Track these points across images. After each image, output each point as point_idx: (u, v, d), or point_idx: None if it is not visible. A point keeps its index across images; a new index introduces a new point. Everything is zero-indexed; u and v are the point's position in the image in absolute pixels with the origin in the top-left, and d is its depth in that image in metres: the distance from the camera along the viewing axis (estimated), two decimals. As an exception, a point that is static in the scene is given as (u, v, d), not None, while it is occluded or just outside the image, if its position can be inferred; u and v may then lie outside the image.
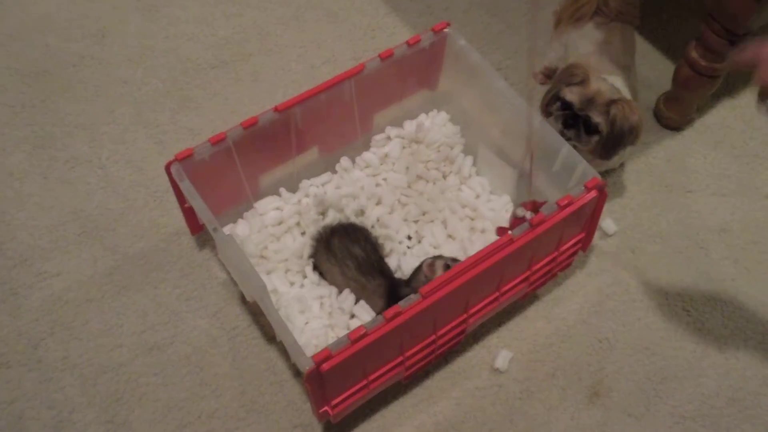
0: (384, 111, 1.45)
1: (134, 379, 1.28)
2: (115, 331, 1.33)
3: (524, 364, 1.30)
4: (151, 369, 1.29)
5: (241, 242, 1.30)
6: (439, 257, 1.25)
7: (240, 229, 1.36)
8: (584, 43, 1.45)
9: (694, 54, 1.40)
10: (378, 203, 1.41)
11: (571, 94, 1.31)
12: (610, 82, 1.32)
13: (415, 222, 1.40)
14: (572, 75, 1.32)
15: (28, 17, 1.76)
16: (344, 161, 1.45)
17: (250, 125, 1.25)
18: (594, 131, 1.31)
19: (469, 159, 1.46)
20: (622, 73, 1.40)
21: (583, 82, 1.31)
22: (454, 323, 1.17)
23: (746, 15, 1.28)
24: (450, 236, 1.37)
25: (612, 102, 1.29)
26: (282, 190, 1.41)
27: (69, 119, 1.59)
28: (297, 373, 1.28)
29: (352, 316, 1.27)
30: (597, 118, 1.29)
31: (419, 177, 1.43)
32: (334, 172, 1.46)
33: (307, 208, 1.39)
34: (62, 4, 1.79)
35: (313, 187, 1.42)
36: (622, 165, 1.52)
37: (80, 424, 1.24)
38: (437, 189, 1.42)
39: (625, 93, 1.37)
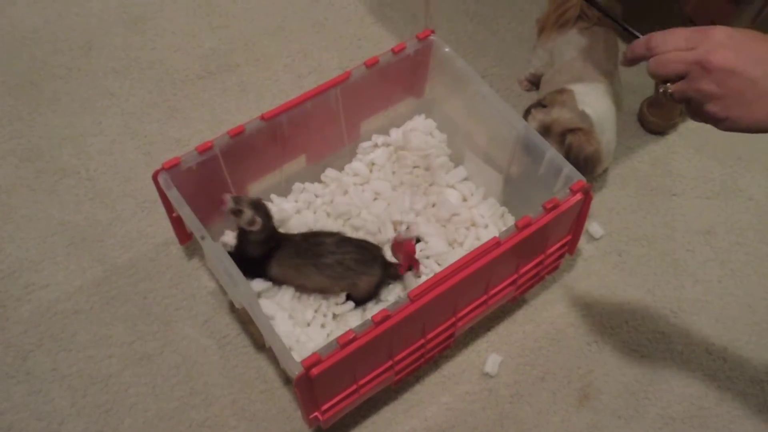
0: (370, 119, 1.46)
1: (124, 390, 1.28)
2: (104, 341, 1.33)
3: (513, 368, 1.31)
4: (140, 379, 1.29)
5: (229, 250, 1.30)
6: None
7: (229, 238, 1.36)
8: (569, 50, 1.47)
9: (675, 58, 1.42)
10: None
11: (533, 120, 1.34)
12: (581, 109, 1.34)
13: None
14: (544, 98, 1.36)
15: (15, 30, 1.76)
16: (330, 171, 1.46)
17: (237, 134, 1.25)
18: None
19: (460, 169, 1.47)
20: (606, 79, 1.42)
21: (547, 108, 1.33)
22: (442, 327, 1.17)
23: (725, 19, 1.30)
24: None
25: (569, 131, 1.30)
26: (273, 196, 1.42)
27: (56, 131, 1.59)
28: (287, 380, 1.28)
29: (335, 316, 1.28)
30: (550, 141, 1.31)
31: (404, 183, 1.44)
32: (320, 181, 1.47)
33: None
34: (49, 16, 1.79)
35: (303, 209, 1.44)
36: (605, 170, 1.53)
37: (70, 435, 1.24)
38: (421, 191, 1.43)
39: (607, 101, 1.39)
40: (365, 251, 1.29)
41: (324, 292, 1.30)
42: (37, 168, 1.54)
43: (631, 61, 0.90)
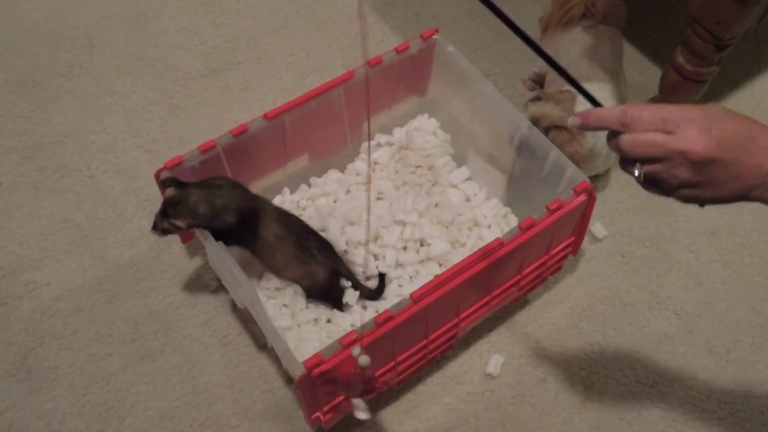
0: (374, 118, 1.46)
1: (125, 389, 1.28)
2: (106, 340, 1.32)
3: (516, 369, 1.31)
4: (142, 378, 1.29)
5: (231, 249, 1.30)
6: None
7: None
8: (574, 49, 1.46)
9: (680, 59, 1.41)
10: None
11: (526, 112, 1.34)
12: (577, 110, 1.33)
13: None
14: (543, 92, 1.36)
15: (17, 27, 1.76)
16: (332, 173, 1.46)
17: (240, 132, 1.25)
18: None
19: (463, 169, 1.46)
20: (612, 80, 1.41)
21: (542, 101, 1.33)
22: (445, 327, 1.17)
23: (731, 19, 1.29)
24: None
25: (554, 127, 1.30)
26: (285, 190, 1.43)
27: (58, 129, 1.59)
28: (289, 380, 1.28)
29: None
30: None
31: (408, 183, 1.44)
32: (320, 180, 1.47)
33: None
34: (51, 14, 1.79)
35: (305, 202, 1.43)
36: (607, 170, 1.52)
37: (71, 434, 1.23)
38: (424, 191, 1.43)
39: (612, 103, 1.38)
40: (329, 245, 1.29)
41: (278, 273, 1.28)
42: (39, 165, 1.54)
43: (589, 129, 0.85)
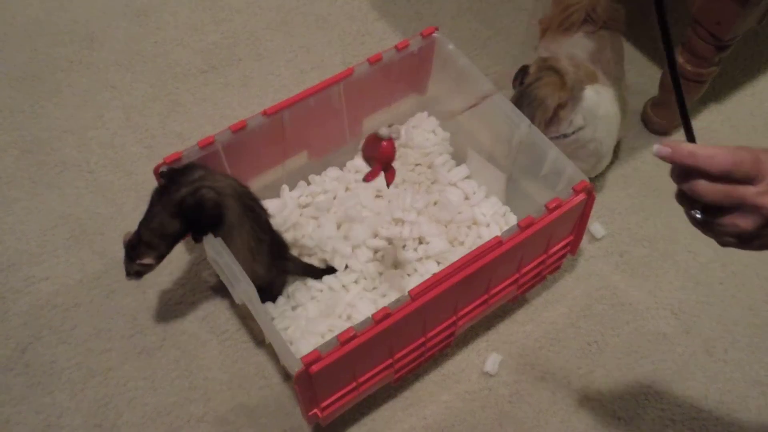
0: (373, 115, 1.46)
1: (123, 384, 1.28)
2: (104, 335, 1.32)
3: (514, 368, 1.31)
4: (140, 373, 1.29)
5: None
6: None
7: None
8: (575, 53, 1.45)
9: (680, 59, 1.41)
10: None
11: (541, 51, 1.34)
12: (586, 88, 1.32)
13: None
14: (568, 56, 1.35)
15: (17, 22, 1.76)
16: (331, 171, 1.46)
17: (239, 129, 1.25)
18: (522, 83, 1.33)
19: (462, 167, 1.46)
20: (614, 85, 1.41)
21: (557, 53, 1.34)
22: (443, 325, 1.17)
23: (731, 20, 1.29)
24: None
25: (551, 69, 1.29)
26: (284, 187, 1.42)
27: (57, 124, 1.59)
28: (286, 376, 1.28)
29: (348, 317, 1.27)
30: (531, 68, 1.31)
31: (407, 180, 1.44)
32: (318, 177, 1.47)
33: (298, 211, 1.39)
34: (51, 9, 1.78)
35: (303, 197, 1.43)
36: (601, 174, 1.51)
37: (68, 428, 1.23)
38: (423, 189, 1.43)
39: (614, 106, 1.38)
40: (282, 247, 1.28)
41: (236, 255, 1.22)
42: (38, 160, 1.54)
43: (677, 163, 0.73)
